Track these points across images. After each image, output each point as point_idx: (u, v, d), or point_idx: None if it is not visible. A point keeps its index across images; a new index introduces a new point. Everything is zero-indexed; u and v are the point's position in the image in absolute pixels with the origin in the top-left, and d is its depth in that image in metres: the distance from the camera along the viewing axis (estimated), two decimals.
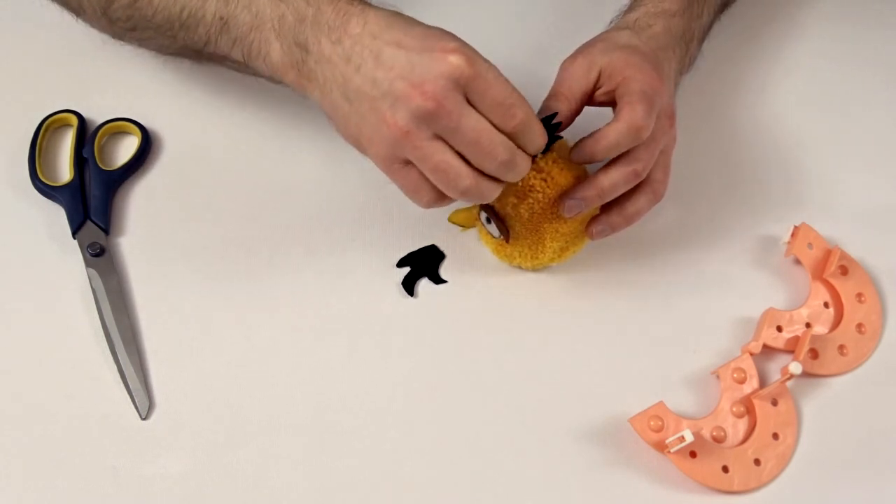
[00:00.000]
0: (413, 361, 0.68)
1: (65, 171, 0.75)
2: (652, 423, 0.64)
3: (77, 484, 0.63)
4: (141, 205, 0.74)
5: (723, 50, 0.83)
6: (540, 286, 0.72)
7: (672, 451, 0.63)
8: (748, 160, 0.79)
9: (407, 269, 0.72)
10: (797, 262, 0.73)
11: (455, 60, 0.57)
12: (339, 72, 0.61)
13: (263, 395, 0.66)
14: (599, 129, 0.64)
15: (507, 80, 0.59)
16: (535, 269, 0.71)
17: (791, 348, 0.69)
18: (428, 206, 0.62)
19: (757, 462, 0.65)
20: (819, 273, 0.72)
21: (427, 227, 0.71)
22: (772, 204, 0.77)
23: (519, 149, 0.60)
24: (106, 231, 0.72)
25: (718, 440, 0.66)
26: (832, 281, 0.71)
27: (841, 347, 0.69)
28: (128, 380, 0.66)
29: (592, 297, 0.72)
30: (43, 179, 0.73)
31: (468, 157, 0.59)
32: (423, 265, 0.72)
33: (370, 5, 0.61)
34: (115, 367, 0.66)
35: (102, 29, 0.74)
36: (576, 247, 0.70)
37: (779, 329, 0.70)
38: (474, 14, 0.86)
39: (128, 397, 0.66)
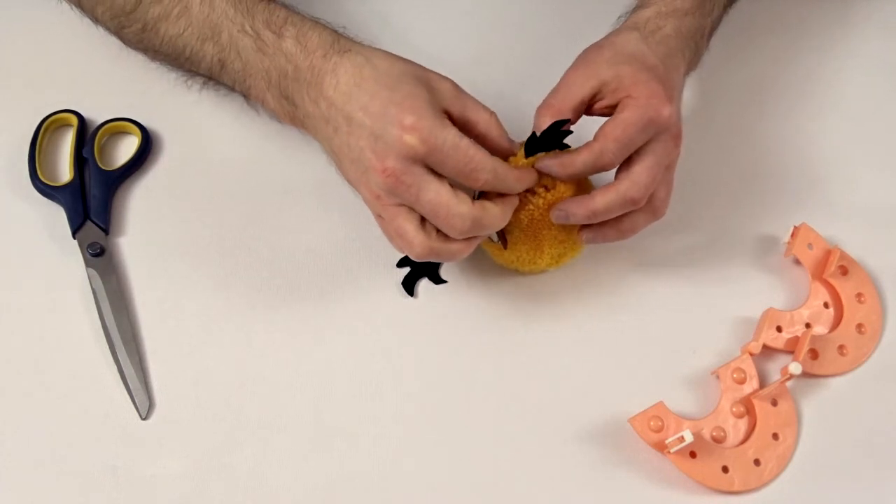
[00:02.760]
0: (413, 361, 0.68)
1: (65, 171, 0.75)
2: (652, 423, 0.64)
3: (77, 484, 0.63)
4: (141, 205, 0.74)
5: (724, 50, 0.83)
6: (540, 286, 0.72)
7: (672, 451, 0.63)
8: (748, 160, 0.79)
9: (407, 270, 0.72)
10: (797, 262, 0.73)
11: (409, 140, 0.59)
12: (321, 129, 0.64)
13: (263, 395, 0.66)
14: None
15: (466, 146, 0.60)
16: (532, 273, 0.71)
17: (791, 348, 0.69)
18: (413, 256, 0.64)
19: (757, 462, 0.65)
20: (819, 273, 0.72)
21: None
22: (772, 204, 0.77)
23: (488, 204, 0.62)
24: (106, 231, 0.72)
25: (718, 440, 0.66)
26: (832, 281, 0.71)
27: (841, 347, 0.69)
28: (128, 380, 0.66)
29: (592, 297, 0.72)
30: (43, 179, 0.73)
31: (433, 223, 0.62)
32: (423, 265, 0.72)
33: (344, 55, 0.63)
34: (115, 367, 0.66)
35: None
36: (574, 252, 0.70)
37: (779, 329, 0.70)
38: (475, 13, 0.86)
39: (128, 397, 0.66)
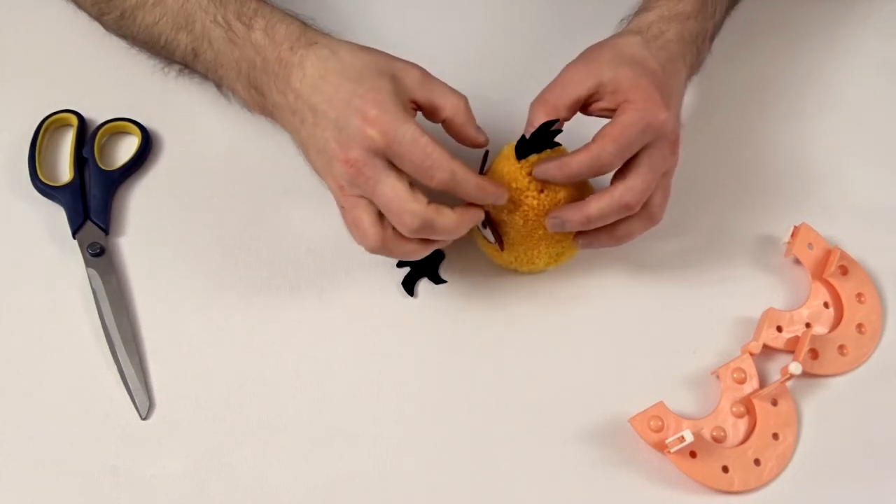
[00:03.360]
0: (413, 361, 0.68)
1: (65, 171, 0.75)
2: (652, 423, 0.64)
3: (77, 484, 0.63)
4: (141, 205, 0.74)
5: (724, 50, 0.83)
6: (540, 286, 0.72)
7: (672, 451, 0.63)
8: (748, 160, 0.79)
9: (407, 270, 0.72)
10: (797, 262, 0.73)
11: (371, 133, 0.60)
12: (289, 120, 0.65)
13: (263, 395, 0.66)
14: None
15: (425, 143, 0.60)
16: (530, 273, 0.71)
17: (791, 348, 0.69)
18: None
19: (757, 462, 0.65)
20: (819, 273, 0.72)
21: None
22: (772, 204, 0.77)
23: (445, 209, 0.62)
24: (106, 231, 0.72)
25: (718, 440, 0.66)
26: (832, 281, 0.71)
27: (841, 347, 0.69)
28: (128, 380, 0.66)
29: (592, 297, 0.72)
30: (43, 179, 0.73)
31: (393, 212, 0.62)
32: (422, 265, 0.72)
33: (310, 47, 0.63)
34: (115, 367, 0.66)
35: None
36: (572, 251, 0.70)
37: (779, 329, 0.70)
38: (474, 14, 0.86)
39: (128, 397, 0.66)
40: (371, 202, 0.62)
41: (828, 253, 0.72)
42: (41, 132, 0.76)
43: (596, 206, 0.64)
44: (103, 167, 0.75)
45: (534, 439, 0.66)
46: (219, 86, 0.71)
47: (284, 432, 0.65)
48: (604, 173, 0.64)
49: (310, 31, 0.65)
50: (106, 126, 0.76)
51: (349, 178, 0.61)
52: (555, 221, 0.65)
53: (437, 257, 0.72)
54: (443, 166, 0.61)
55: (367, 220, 0.62)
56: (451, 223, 0.62)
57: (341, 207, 0.65)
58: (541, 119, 0.65)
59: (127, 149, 0.76)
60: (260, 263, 0.72)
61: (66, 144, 0.76)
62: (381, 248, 0.63)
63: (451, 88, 0.64)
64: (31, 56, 0.80)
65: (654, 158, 0.64)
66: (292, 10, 0.67)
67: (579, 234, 0.68)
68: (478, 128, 0.65)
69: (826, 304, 0.72)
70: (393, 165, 0.61)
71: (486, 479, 0.64)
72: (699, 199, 0.76)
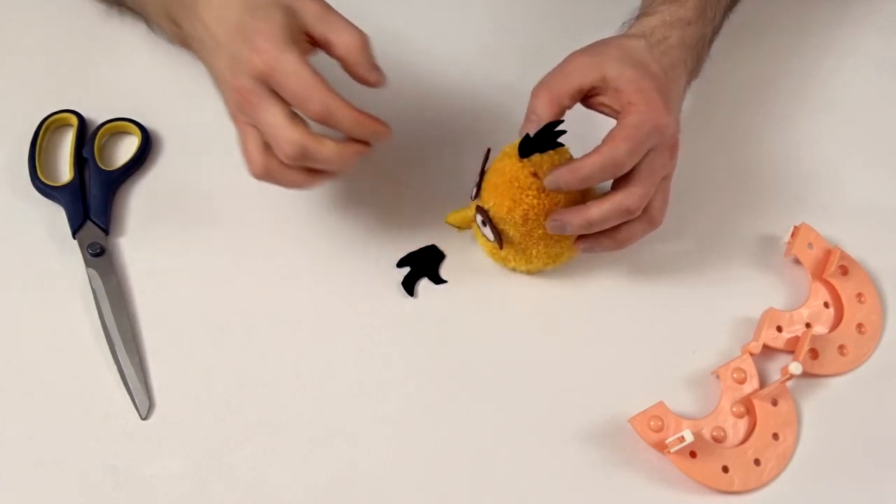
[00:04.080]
0: (413, 361, 0.68)
1: (65, 171, 0.75)
2: (652, 423, 0.64)
3: (77, 484, 0.63)
4: (141, 205, 0.74)
5: (724, 50, 0.83)
6: (540, 287, 0.72)
7: (672, 451, 0.63)
8: (748, 160, 0.79)
9: (407, 270, 0.72)
10: (797, 262, 0.73)
11: (256, 60, 0.61)
12: (199, 50, 0.67)
13: (263, 395, 0.66)
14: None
15: (307, 75, 0.61)
16: (529, 273, 0.71)
17: (791, 348, 0.69)
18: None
19: (757, 462, 0.65)
20: (819, 273, 0.72)
21: (427, 227, 0.71)
22: (772, 204, 0.77)
23: (326, 140, 0.62)
24: (106, 231, 0.72)
25: (718, 440, 0.66)
26: (832, 281, 0.72)
27: (841, 347, 0.69)
28: (128, 380, 0.66)
29: (592, 297, 0.72)
30: (43, 179, 0.73)
31: (273, 139, 0.63)
32: (423, 265, 0.72)
33: None
34: (115, 367, 0.66)
35: None
36: (571, 252, 0.70)
37: (779, 329, 0.70)
38: (477, 12, 0.86)
39: (128, 397, 0.66)
40: (258, 130, 0.63)
41: (828, 253, 0.72)
42: (41, 132, 0.76)
43: (597, 211, 0.65)
44: (103, 167, 0.75)
45: (534, 439, 0.66)
46: (147, 23, 0.72)
47: (284, 432, 0.65)
48: (616, 175, 0.65)
49: None
50: (106, 126, 0.76)
51: (238, 105, 0.63)
52: (555, 224, 0.66)
53: (437, 257, 0.72)
54: (316, 98, 0.61)
55: (253, 147, 0.64)
56: (331, 152, 0.62)
57: (238, 135, 0.65)
58: (543, 104, 0.65)
59: (127, 149, 0.76)
60: (260, 264, 0.72)
61: (66, 144, 0.76)
62: (265, 175, 0.64)
63: (350, 25, 0.64)
64: (31, 56, 0.80)
65: (655, 163, 0.65)
66: None
67: (580, 238, 0.68)
68: (373, 67, 0.64)
69: (826, 304, 0.72)
70: (277, 94, 0.62)
71: (487, 479, 0.64)
72: (699, 199, 0.76)
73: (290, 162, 0.63)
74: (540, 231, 0.67)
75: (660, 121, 0.64)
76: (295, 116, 0.62)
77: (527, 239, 0.67)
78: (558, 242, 0.68)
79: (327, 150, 0.62)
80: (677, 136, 0.67)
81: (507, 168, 0.66)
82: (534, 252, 0.68)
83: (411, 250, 0.72)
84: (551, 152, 0.66)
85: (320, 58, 0.64)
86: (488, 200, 0.67)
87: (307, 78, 0.61)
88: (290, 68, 0.61)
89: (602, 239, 0.67)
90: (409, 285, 0.71)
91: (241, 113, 0.63)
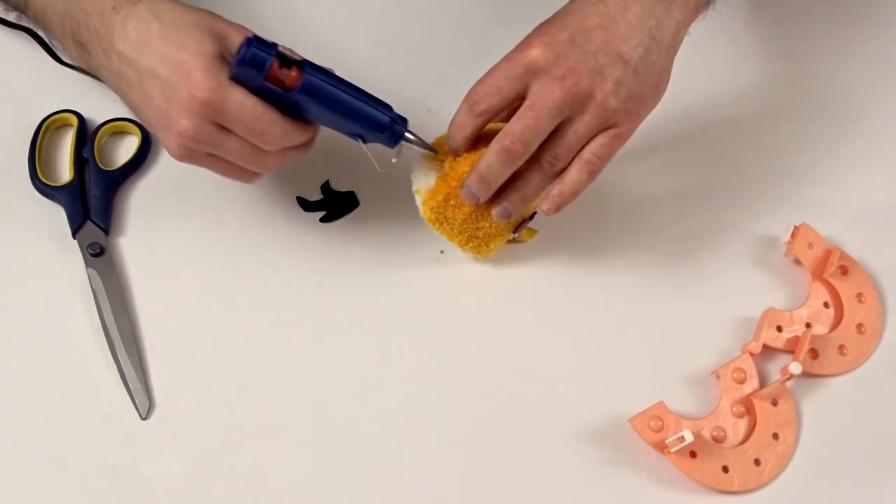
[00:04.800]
0: (413, 361, 0.68)
1: (65, 171, 0.75)
2: (652, 423, 0.64)
3: (77, 484, 0.63)
4: (141, 205, 0.74)
5: (724, 50, 0.83)
6: (540, 286, 0.72)
7: (672, 451, 0.63)
8: (748, 160, 0.79)
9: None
10: (797, 262, 0.73)
11: (198, 99, 0.59)
12: (114, 83, 0.64)
13: (263, 395, 0.66)
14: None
15: (251, 107, 0.60)
16: (477, 257, 0.71)
17: (791, 348, 0.69)
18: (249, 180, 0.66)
19: (757, 462, 0.65)
20: (819, 273, 0.72)
21: (428, 227, 0.71)
22: (772, 204, 0.77)
23: (288, 121, 0.61)
24: (106, 231, 0.72)
25: (718, 440, 0.66)
26: (832, 281, 0.71)
27: (841, 347, 0.69)
28: (128, 380, 0.66)
29: (593, 297, 0.72)
30: (43, 179, 0.73)
31: (243, 164, 0.63)
32: (336, 207, 0.73)
33: (133, 7, 0.61)
34: (115, 367, 0.66)
35: None
36: (499, 236, 0.69)
37: (779, 329, 0.70)
38: (479, 11, 0.86)
39: (128, 397, 0.66)
40: (215, 156, 0.63)
41: (828, 253, 0.72)
42: (41, 132, 0.76)
43: (482, 161, 0.63)
44: (103, 167, 0.75)
45: (534, 439, 0.66)
46: (50, 38, 0.68)
47: (284, 432, 0.65)
48: (486, 119, 0.63)
49: None
50: (106, 126, 0.76)
51: (187, 150, 0.61)
52: (464, 192, 0.65)
53: (352, 204, 0.74)
54: (275, 129, 0.61)
55: (226, 170, 0.64)
56: (294, 129, 0.62)
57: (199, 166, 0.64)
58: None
59: (127, 149, 0.76)
60: (260, 263, 0.72)
61: (66, 144, 0.76)
62: (270, 167, 0.64)
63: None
64: (31, 56, 0.80)
65: (534, 98, 0.61)
66: None
67: (493, 205, 0.66)
68: None
69: (826, 304, 0.72)
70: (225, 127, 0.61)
71: (487, 479, 0.64)
72: (699, 198, 0.76)
73: (277, 146, 0.62)
74: (447, 212, 0.67)
75: (525, 53, 0.61)
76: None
77: (439, 224, 0.68)
78: (475, 225, 0.68)
79: (289, 126, 0.62)
80: (567, 63, 0.61)
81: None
82: (454, 235, 0.68)
83: (409, 250, 0.72)
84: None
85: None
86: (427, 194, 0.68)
87: (261, 110, 0.60)
88: (238, 104, 0.59)
89: (509, 195, 0.65)
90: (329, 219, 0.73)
91: (192, 155, 0.62)
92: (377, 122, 0.63)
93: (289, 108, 0.61)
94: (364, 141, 0.63)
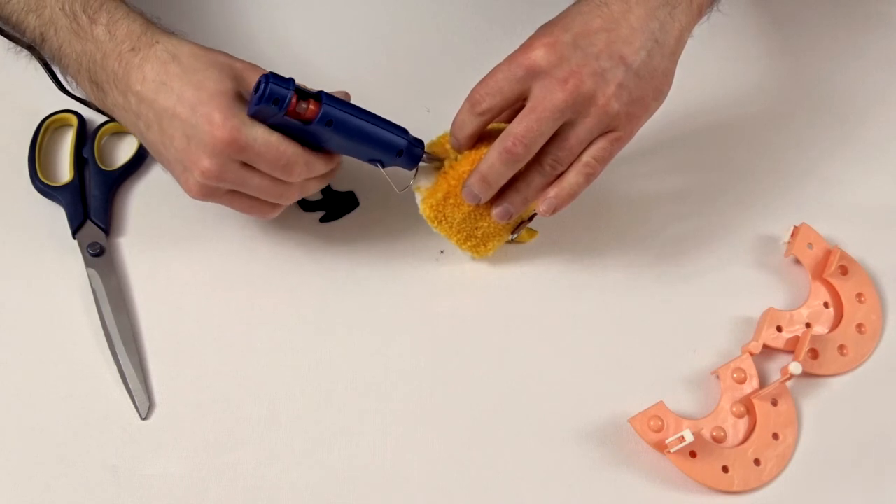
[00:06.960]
0: (413, 361, 0.68)
1: (65, 171, 0.75)
2: (652, 423, 0.64)
3: (77, 484, 0.63)
4: (141, 205, 0.74)
5: (724, 50, 0.83)
6: (540, 286, 0.72)
7: (672, 451, 0.63)
8: (748, 160, 0.79)
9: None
10: (797, 262, 0.73)
11: (221, 139, 0.60)
12: (132, 123, 0.64)
13: (263, 394, 0.66)
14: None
15: (275, 143, 0.61)
16: (475, 256, 0.71)
17: (791, 348, 0.69)
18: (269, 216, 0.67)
19: (757, 462, 0.65)
20: (819, 273, 0.72)
21: (427, 226, 0.71)
22: (772, 204, 0.77)
23: (310, 153, 0.63)
24: (106, 231, 0.72)
25: (718, 440, 0.66)
26: (832, 281, 0.71)
27: (841, 347, 0.69)
28: (128, 380, 0.66)
29: (593, 297, 0.72)
30: (43, 179, 0.73)
31: (266, 198, 0.64)
32: (335, 208, 0.74)
33: (151, 48, 0.62)
34: (115, 367, 0.66)
35: None
36: (499, 235, 0.69)
37: (779, 329, 0.70)
38: (478, 12, 0.86)
39: (128, 397, 0.66)
40: (235, 192, 0.64)
41: (828, 253, 0.72)
42: (41, 132, 0.76)
43: (484, 162, 0.64)
44: (103, 167, 0.75)
45: (534, 439, 0.66)
46: (64, 74, 0.68)
47: (284, 432, 0.65)
48: (485, 119, 0.64)
49: (152, 29, 0.63)
50: (106, 126, 0.76)
51: (209, 189, 0.62)
52: (466, 192, 0.65)
53: (352, 204, 0.75)
54: (297, 162, 0.62)
55: (247, 206, 0.65)
56: (317, 160, 0.63)
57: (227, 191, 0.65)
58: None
59: (127, 149, 0.76)
60: (260, 263, 0.72)
61: (66, 144, 0.76)
62: (291, 198, 0.65)
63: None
64: (31, 56, 0.80)
65: (536, 100, 0.61)
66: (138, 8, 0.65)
67: (494, 205, 0.67)
68: None
69: (826, 304, 0.72)
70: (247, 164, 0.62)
71: (487, 479, 0.64)
72: (699, 198, 0.76)
73: (301, 178, 0.63)
74: (447, 211, 0.67)
75: (527, 56, 0.61)
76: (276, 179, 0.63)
77: (439, 223, 0.68)
78: (474, 224, 0.68)
79: (313, 157, 0.63)
80: (570, 67, 0.61)
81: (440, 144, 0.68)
82: (452, 234, 0.69)
83: (409, 250, 0.72)
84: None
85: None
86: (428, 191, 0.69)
87: (284, 146, 0.61)
88: (262, 140, 0.60)
89: (509, 195, 0.66)
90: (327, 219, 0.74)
91: (213, 193, 0.63)
92: (395, 146, 0.64)
93: (308, 139, 0.62)
94: (383, 165, 0.64)
